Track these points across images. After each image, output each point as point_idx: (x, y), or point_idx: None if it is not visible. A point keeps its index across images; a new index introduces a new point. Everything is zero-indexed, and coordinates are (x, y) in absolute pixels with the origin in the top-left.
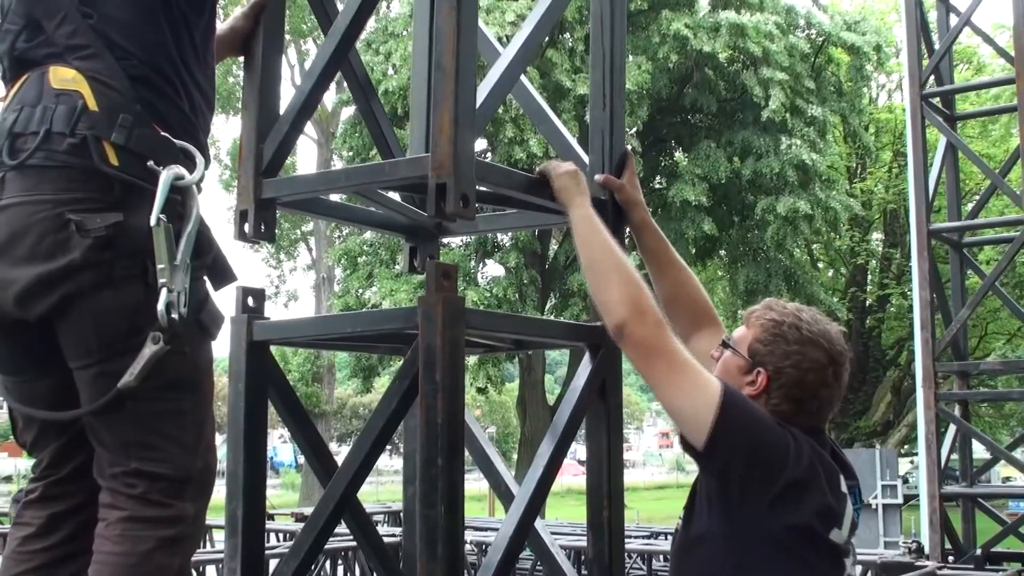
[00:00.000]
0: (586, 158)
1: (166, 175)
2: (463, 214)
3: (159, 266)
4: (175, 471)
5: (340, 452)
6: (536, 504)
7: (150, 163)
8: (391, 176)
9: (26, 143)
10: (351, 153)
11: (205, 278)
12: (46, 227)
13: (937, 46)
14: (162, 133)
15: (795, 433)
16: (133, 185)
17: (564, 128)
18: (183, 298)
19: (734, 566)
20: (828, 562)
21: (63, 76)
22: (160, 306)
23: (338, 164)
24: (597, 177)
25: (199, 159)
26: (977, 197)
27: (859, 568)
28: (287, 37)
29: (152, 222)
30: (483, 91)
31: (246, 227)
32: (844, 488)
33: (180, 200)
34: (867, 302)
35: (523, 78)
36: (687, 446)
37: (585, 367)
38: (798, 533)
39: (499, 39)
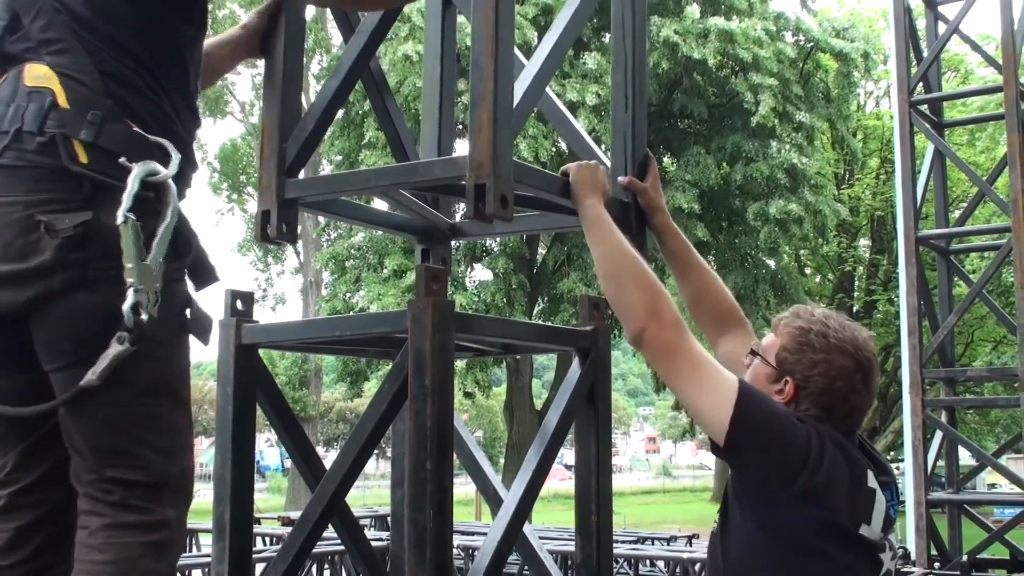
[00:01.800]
0: (607, 161)
1: (136, 171)
2: (502, 215)
3: (126, 265)
4: (151, 477)
5: (326, 456)
6: (525, 508)
7: (122, 160)
8: (425, 176)
9: None
10: (340, 157)
11: (187, 280)
12: (17, 230)
13: (925, 53)
14: (135, 129)
15: (819, 429)
16: (103, 183)
17: (584, 131)
18: (152, 298)
19: (764, 560)
20: (860, 558)
21: (36, 73)
22: (126, 306)
23: (326, 167)
24: (621, 179)
25: (174, 154)
26: (964, 205)
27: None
28: None
29: (118, 219)
30: (519, 89)
31: (268, 228)
32: (873, 483)
33: (155, 197)
34: (854, 308)
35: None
36: (712, 445)
37: (574, 372)
38: (824, 529)
39: None
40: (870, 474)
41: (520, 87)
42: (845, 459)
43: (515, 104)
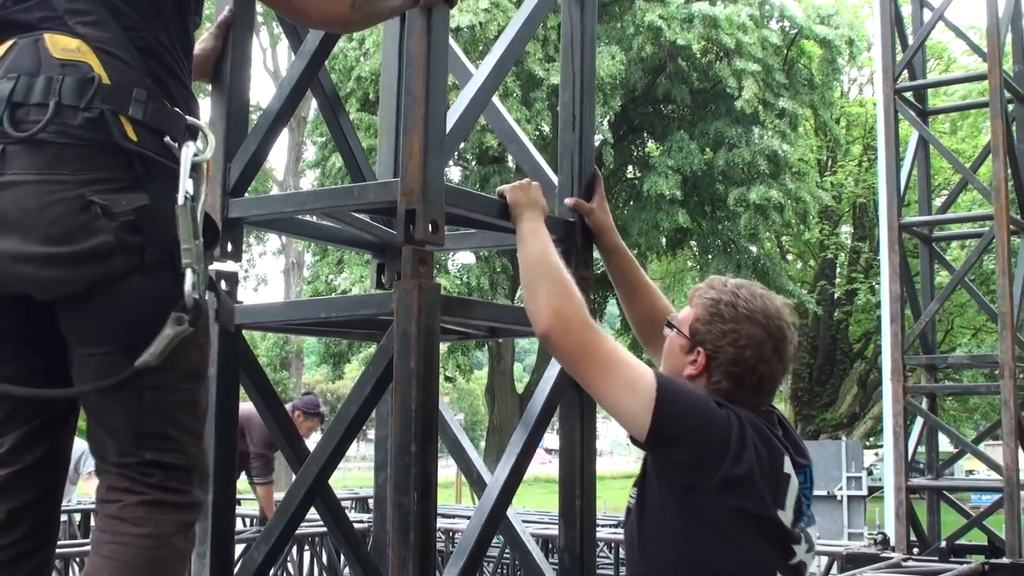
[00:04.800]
0: (555, 179)
1: (187, 151)
2: (432, 240)
3: (184, 246)
4: (186, 460)
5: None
6: (509, 492)
7: (166, 139)
8: (360, 200)
9: (29, 114)
10: (323, 139)
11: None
12: (65, 208)
13: (911, 40)
14: (174, 108)
15: (739, 414)
16: (153, 161)
17: (534, 149)
18: (205, 279)
19: (679, 545)
20: (773, 547)
21: (65, 45)
22: (187, 287)
23: (310, 149)
24: (567, 201)
25: (209, 135)
26: (945, 193)
27: (825, 559)
28: (259, 20)
29: (180, 201)
30: (454, 114)
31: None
32: (788, 468)
33: (195, 177)
34: (835, 295)
35: (494, 98)
36: (632, 439)
37: None
38: (741, 517)
39: (473, 27)
40: (786, 459)
41: (455, 111)
42: (764, 445)
43: (448, 130)
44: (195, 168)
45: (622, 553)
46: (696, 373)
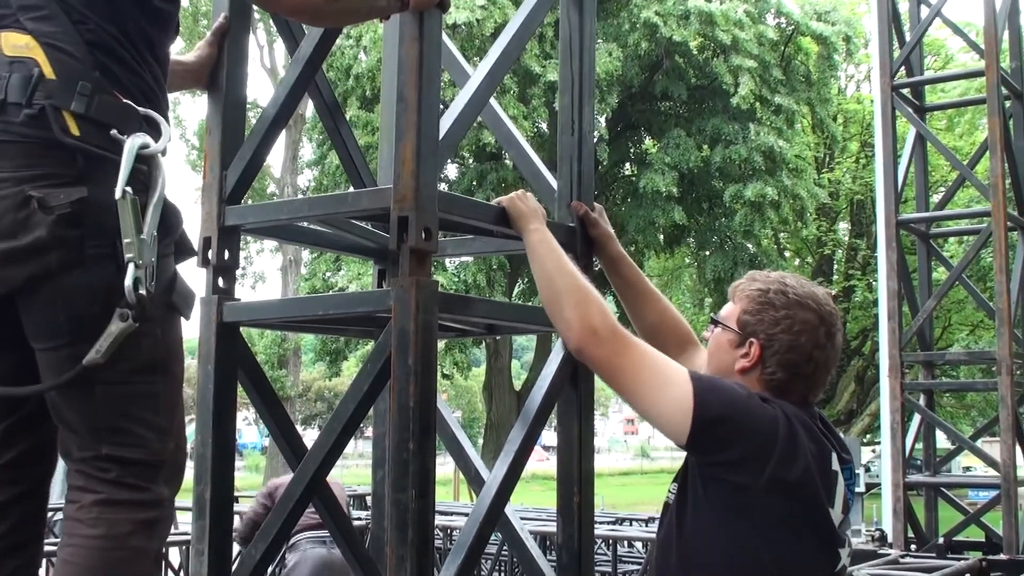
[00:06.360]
0: (555, 183)
1: (131, 143)
2: (425, 247)
3: (125, 240)
4: (148, 455)
5: (304, 434)
6: (507, 489)
7: (113, 132)
8: (354, 207)
9: None
10: (321, 136)
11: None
12: (5, 206)
13: (908, 37)
14: (124, 100)
15: (785, 410)
16: (97, 156)
17: (533, 154)
18: (151, 272)
19: (725, 546)
20: (821, 550)
21: (15, 43)
22: (128, 281)
23: (307, 147)
24: (574, 204)
25: (164, 126)
26: (942, 189)
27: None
28: (256, 17)
29: (117, 194)
30: (449, 118)
31: (210, 254)
32: (836, 466)
33: (146, 170)
34: (833, 292)
35: (492, 101)
36: (675, 442)
37: (557, 353)
38: (792, 519)
39: (469, 24)
40: (834, 456)
41: (450, 115)
42: (813, 443)
43: (441, 136)
44: (147, 160)
45: (620, 550)
46: (750, 365)
